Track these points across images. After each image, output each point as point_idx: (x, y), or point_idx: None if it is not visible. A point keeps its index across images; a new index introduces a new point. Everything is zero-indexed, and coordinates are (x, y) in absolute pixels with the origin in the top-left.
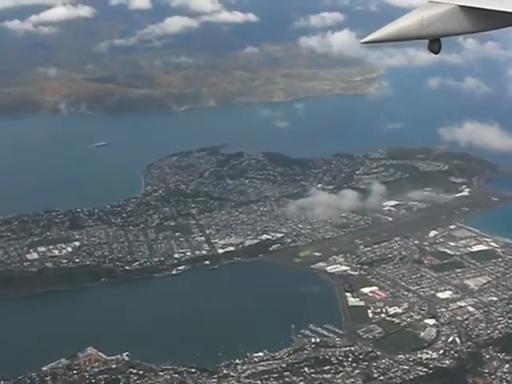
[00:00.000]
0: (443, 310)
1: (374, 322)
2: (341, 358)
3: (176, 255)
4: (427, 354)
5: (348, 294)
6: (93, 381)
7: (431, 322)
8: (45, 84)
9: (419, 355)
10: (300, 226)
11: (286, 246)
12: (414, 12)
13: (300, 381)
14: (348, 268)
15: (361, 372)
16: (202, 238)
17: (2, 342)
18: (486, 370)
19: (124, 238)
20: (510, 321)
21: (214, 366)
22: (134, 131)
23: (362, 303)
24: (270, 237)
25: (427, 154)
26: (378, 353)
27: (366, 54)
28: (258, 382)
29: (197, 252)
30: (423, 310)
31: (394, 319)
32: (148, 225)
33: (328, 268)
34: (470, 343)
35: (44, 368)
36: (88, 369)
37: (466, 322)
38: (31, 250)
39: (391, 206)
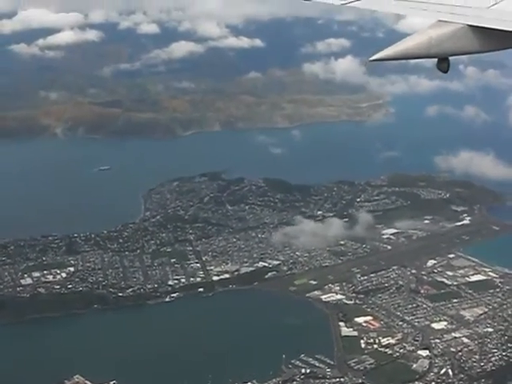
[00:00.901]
0: (437, 341)
1: (367, 353)
2: None
3: (170, 282)
4: None
5: (342, 324)
6: None
7: (424, 353)
8: (50, 108)
9: None
10: (298, 253)
11: (281, 274)
12: (423, 31)
13: None
14: (343, 297)
15: None
16: (198, 264)
17: None
18: None
19: (119, 264)
20: (504, 353)
21: None
22: (138, 155)
23: (356, 333)
24: (266, 264)
25: (429, 182)
26: None
27: (367, 80)
28: None
29: (191, 279)
30: (417, 340)
31: (386, 350)
32: (144, 251)
33: (323, 297)
34: (462, 375)
35: None
36: None
37: (460, 353)
38: (25, 275)
39: (390, 235)
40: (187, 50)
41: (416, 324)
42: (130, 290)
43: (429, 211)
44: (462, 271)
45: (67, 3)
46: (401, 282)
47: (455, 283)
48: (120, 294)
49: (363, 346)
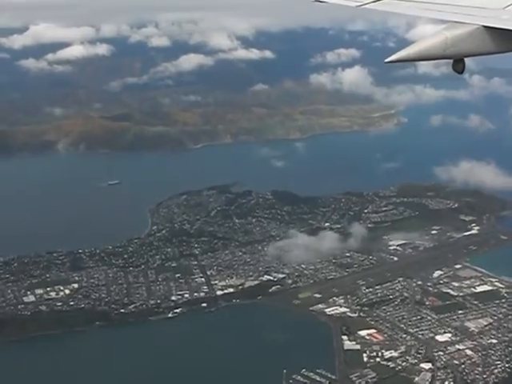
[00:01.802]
0: (441, 353)
1: (369, 367)
2: None
3: (173, 297)
4: None
5: (345, 337)
6: None
7: (427, 366)
8: (60, 122)
9: None
10: (303, 266)
11: (286, 288)
12: (438, 32)
13: None
14: (347, 310)
15: None
16: (203, 279)
17: None
18: None
19: (123, 280)
20: (507, 365)
21: None
22: (148, 169)
23: (358, 347)
24: (271, 278)
25: (438, 192)
26: None
27: (374, 91)
28: None
29: (195, 294)
30: (420, 353)
31: (389, 363)
32: (149, 266)
33: (327, 310)
34: None
35: None
36: None
37: (463, 366)
38: (29, 293)
39: (397, 246)
40: (196, 62)
41: (420, 336)
42: (133, 306)
43: (437, 221)
44: (468, 282)
45: (80, 17)
46: (406, 294)
47: (461, 294)
48: (122, 311)
49: (366, 359)
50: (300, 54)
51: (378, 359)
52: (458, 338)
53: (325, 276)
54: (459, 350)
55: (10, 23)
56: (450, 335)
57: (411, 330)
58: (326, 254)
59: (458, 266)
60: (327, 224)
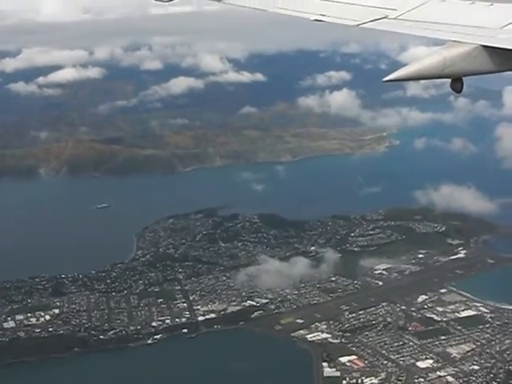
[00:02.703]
0: (421, 380)
1: None
2: None
3: (154, 323)
4: None
5: (325, 364)
6: None
7: None
8: (50, 145)
9: None
10: (287, 290)
11: (268, 313)
12: (437, 51)
13: None
14: (329, 336)
15: None
16: (185, 304)
17: None
18: None
19: (105, 305)
20: None
21: None
22: (137, 192)
23: (338, 373)
24: (254, 303)
25: (425, 215)
26: None
27: (359, 113)
28: None
29: (176, 320)
30: (400, 380)
31: None
32: (132, 291)
33: (309, 336)
34: None
35: None
36: None
37: None
38: (9, 318)
39: (383, 270)
40: (186, 85)
41: (401, 363)
42: (112, 332)
43: (424, 245)
44: (452, 307)
45: (74, 41)
46: (389, 319)
47: (445, 319)
48: (101, 337)
49: None
50: (291, 77)
51: None
52: (439, 365)
53: (308, 301)
54: (440, 376)
55: (4, 47)
56: (431, 361)
57: (392, 357)
58: (311, 279)
59: (443, 291)
60: (313, 248)
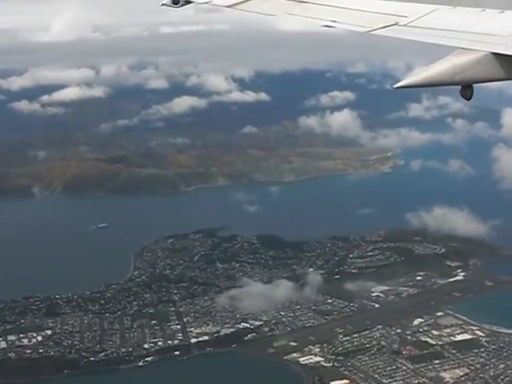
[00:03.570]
0: None
1: None
2: None
3: (146, 345)
4: None
5: None
6: None
7: None
8: (52, 164)
9: None
10: (282, 313)
11: (262, 335)
12: (447, 58)
13: None
14: (322, 359)
15: None
16: (178, 326)
17: None
18: None
19: (98, 327)
20: None
21: None
22: (139, 212)
23: None
24: (248, 325)
25: (425, 237)
26: None
27: (358, 134)
28: None
29: (169, 342)
30: None
31: None
32: (126, 312)
33: (301, 359)
34: None
35: None
36: None
37: None
38: (0, 339)
39: (380, 292)
40: (189, 104)
41: None
42: (103, 354)
43: (422, 267)
44: (448, 330)
45: (81, 59)
46: (383, 343)
47: (440, 343)
48: (92, 359)
49: None
50: (295, 97)
51: None
52: None
53: (303, 323)
54: None
55: (11, 65)
56: None
57: (385, 381)
58: (307, 301)
59: (439, 314)
60: (311, 269)
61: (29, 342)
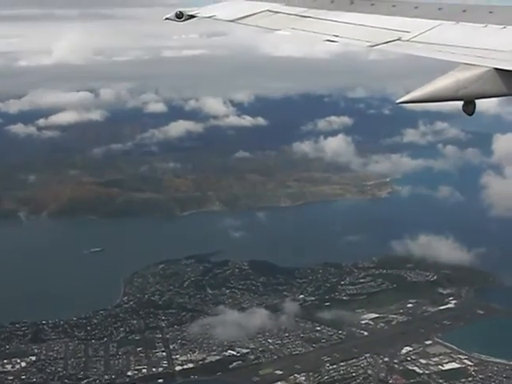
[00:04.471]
0: None
1: None
2: None
3: (129, 373)
4: None
5: None
6: None
7: None
8: (49, 188)
9: None
10: (270, 340)
11: (248, 363)
12: (450, 73)
13: None
14: None
15: None
16: (164, 353)
17: None
18: None
19: (83, 353)
20: None
21: None
22: (133, 236)
23: None
24: (234, 352)
25: (417, 264)
26: None
27: (350, 160)
28: None
29: (153, 369)
30: None
31: None
32: (112, 338)
33: None
34: None
35: None
36: None
37: None
38: None
39: (370, 320)
40: (185, 128)
41: None
42: (86, 381)
43: (414, 294)
44: (436, 359)
45: (81, 82)
46: (370, 372)
47: (427, 372)
48: None
49: None
50: (292, 122)
51: None
52: None
53: (290, 351)
54: None
55: (11, 88)
56: None
57: None
58: (295, 328)
59: (428, 342)
60: (301, 296)
61: (12, 367)
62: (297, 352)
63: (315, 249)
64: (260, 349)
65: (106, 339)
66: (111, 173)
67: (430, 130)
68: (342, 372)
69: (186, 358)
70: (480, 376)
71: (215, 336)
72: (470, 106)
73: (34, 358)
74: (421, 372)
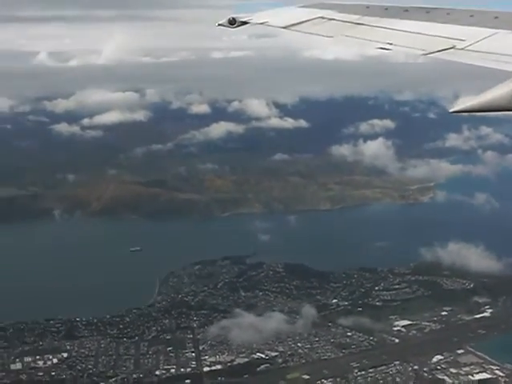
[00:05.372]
0: None
1: None
2: None
3: (158, 372)
4: None
5: None
6: None
7: None
8: (91, 187)
9: None
10: (299, 344)
11: (275, 367)
12: (506, 83)
13: None
14: None
15: None
16: (193, 354)
17: None
18: None
19: (114, 351)
20: None
21: None
22: (172, 236)
23: None
24: (263, 355)
25: (454, 271)
26: None
27: (387, 164)
28: None
29: (182, 369)
30: None
31: None
32: (144, 337)
33: None
34: None
35: None
36: None
37: None
38: (17, 360)
39: (402, 327)
40: (226, 129)
41: None
42: (114, 379)
43: (449, 302)
44: (467, 368)
45: (128, 83)
46: (398, 379)
47: (456, 382)
48: None
49: None
50: (335, 124)
51: None
52: None
53: (318, 356)
54: None
55: (60, 87)
56: None
57: None
58: (326, 333)
59: (460, 351)
60: (335, 300)
61: (44, 364)
62: (326, 357)
63: (352, 253)
64: (289, 352)
65: (137, 338)
66: (153, 173)
67: (474, 134)
68: (369, 379)
69: (214, 360)
70: None
71: (245, 338)
72: None
73: (65, 355)
74: (450, 381)
